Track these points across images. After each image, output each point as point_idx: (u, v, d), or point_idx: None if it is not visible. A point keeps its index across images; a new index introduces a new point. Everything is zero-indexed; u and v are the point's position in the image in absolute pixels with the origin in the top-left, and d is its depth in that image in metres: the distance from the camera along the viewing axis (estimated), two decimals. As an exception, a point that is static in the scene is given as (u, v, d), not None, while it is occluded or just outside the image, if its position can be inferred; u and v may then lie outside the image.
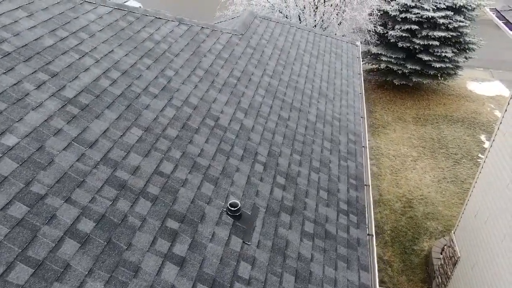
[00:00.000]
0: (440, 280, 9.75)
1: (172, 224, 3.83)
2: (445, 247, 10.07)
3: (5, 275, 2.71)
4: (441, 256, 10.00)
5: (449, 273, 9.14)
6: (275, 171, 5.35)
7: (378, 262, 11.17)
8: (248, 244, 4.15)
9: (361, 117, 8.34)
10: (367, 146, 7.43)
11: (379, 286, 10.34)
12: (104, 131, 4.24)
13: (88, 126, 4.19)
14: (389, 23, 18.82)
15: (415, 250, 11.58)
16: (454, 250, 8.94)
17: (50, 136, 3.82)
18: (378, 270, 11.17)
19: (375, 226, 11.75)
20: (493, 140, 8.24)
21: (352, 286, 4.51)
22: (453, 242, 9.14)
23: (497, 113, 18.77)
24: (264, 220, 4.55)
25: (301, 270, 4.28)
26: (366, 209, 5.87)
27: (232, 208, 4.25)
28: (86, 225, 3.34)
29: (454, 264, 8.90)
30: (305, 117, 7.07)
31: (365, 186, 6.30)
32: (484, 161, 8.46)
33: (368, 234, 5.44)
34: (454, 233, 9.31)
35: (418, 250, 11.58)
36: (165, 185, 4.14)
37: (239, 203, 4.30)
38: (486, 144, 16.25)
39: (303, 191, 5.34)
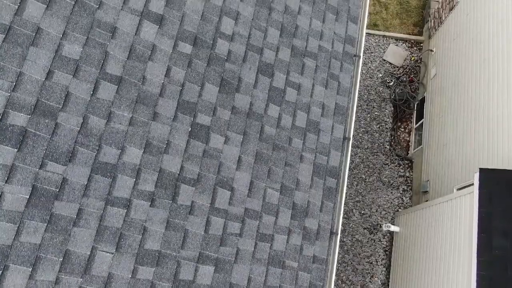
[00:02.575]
0: (432, 25, 9.77)
1: (144, -23, 3.44)
2: (447, -10, 9.53)
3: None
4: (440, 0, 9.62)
5: (443, 17, 9.04)
6: None
7: (374, 5, 10.90)
8: (231, -2, 3.86)
9: None
10: None
11: (372, 30, 10.43)
12: None
13: None
14: None
15: (416, -8, 11.04)
16: (455, -6, 8.52)
17: None
18: (374, 13, 11.03)
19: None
20: None
21: (338, 39, 4.52)
22: (456, -15, 8.59)
23: None
24: (249, -31, 4.08)
25: (287, 24, 4.17)
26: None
27: (211, -44, 3.72)
28: (46, -17, 3.00)
29: (451, 9, 8.67)
30: None
31: None
32: None
33: (364, -18, 5.01)
34: (461, -25, 8.59)
35: (418, -7, 11.06)
36: None
37: (219, -51, 3.73)
38: None
39: None
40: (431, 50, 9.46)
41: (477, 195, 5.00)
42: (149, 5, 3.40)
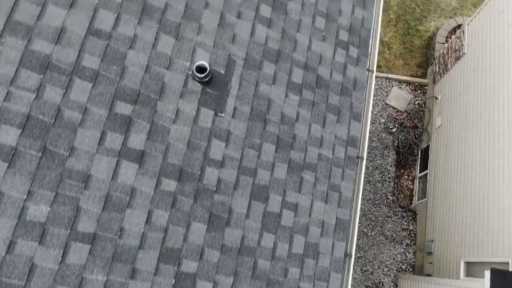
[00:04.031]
0: (437, 69, 9.39)
1: (123, 108, 3.09)
2: (452, 36, 9.17)
3: None
4: (445, 45, 9.24)
5: (449, 65, 8.67)
6: (258, -4, 4.03)
7: (377, 43, 10.51)
8: (221, 115, 3.51)
9: None
10: None
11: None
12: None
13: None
14: None
15: (420, 30, 10.67)
16: (462, 44, 8.14)
17: None
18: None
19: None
20: None
21: (339, 142, 4.16)
22: (463, 35, 8.22)
23: None
24: (242, 77, 3.72)
25: (284, 136, 3.81)
26: (372, 31, 4.81)
27: (199, 75, 3.37)
28: (8, 135, 2.65)
29: (457, 59, 8.30)
30: None
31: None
32: None
33: (368, 70, 4.65)
34: (468, 25, 8.22)
35: (422, 31, 10.68)
36: (106, 51, 3.11)
37: (207, 65, 3.37)
38: None
39: (295, 23, 4.19)
40: (436, 98, 9.09)
41: (489, 298, 4.66)
42: (128, 141, 3.05)
